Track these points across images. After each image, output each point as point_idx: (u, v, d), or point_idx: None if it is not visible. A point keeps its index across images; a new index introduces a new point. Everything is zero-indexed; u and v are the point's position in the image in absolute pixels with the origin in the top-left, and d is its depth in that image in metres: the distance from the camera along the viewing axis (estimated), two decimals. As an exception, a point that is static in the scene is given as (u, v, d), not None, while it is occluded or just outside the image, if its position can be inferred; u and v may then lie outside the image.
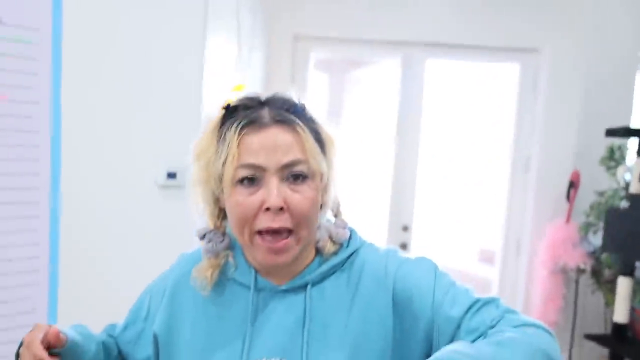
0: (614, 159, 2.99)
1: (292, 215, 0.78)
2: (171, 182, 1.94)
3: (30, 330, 0.82)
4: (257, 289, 0.86)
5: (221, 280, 0.88)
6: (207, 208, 0.87)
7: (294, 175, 0.78)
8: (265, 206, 0.77)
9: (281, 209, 0.77)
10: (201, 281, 0.86)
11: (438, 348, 0.79)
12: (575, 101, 3.32)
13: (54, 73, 1.42)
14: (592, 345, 3.39)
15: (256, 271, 0.86)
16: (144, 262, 1.83)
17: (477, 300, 0.81)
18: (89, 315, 1.77)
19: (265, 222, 0.78)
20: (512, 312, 0.80)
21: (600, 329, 3.41)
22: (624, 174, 2.92)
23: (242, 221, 0.79)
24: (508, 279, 3.64)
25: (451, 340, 0.79)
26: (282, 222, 0.78)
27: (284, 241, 0.79)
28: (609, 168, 3.01)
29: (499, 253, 3.72)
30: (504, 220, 3.64)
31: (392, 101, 3.52)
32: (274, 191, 0.76)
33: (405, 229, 3.56)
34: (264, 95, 0.83)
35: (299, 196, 0.78)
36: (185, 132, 1.93)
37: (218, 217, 0.88)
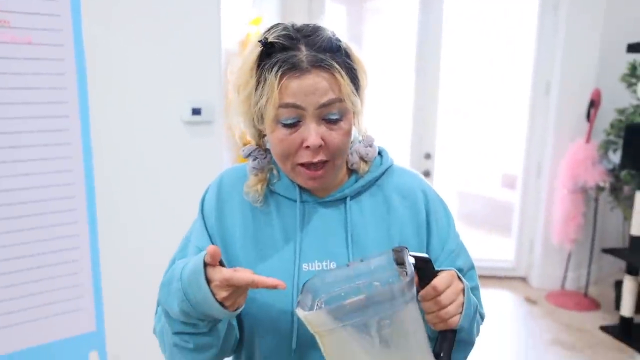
0: (635, 75, 2.97)
1: (328, 150, 0.86)
2: (196, 118, 1.94)
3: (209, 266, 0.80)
4: (302, 201, 0.95)
5: (266, 194, 0.96)
6: (249, 131, 0.94)
7: (331, 119, 0.84)
8: (305, 145, 0.85)
9: (319, 146, 0.85)
10: (253, 195, 0.95)
11: None
12: (598, 18, 3.26)
13: (74, 13, 1.45)
14: (610, 259, 3.48)
15: (300, 187, 0.95)
16: (170, 197, 1.89)
17: (471, 266, 0.99)
18: (124, 242, 1.85)
19: (305, 157, 0.86)
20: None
21: (618, 244, 3.49)
22: (644, 90, 2.91)
23: (285, 155, 0.88)
24: (529, 202, 3.70)
25: None
26: (320, 156, 0.86)
27: (322, 170, 0.88)
28: (630, 85, 2.99)
29: (520, 176, 3.77)
30: (525, 144, 3.67)
31: (411, 29, 3.50)
32: (312, 132, 0.84)
33: (428, 156, 3.62)
34: (300, 30, 0.86)
35: (335, 133, 0.85)
36: (206, 67, 1.96)
37: (259, 137, 0.96)
